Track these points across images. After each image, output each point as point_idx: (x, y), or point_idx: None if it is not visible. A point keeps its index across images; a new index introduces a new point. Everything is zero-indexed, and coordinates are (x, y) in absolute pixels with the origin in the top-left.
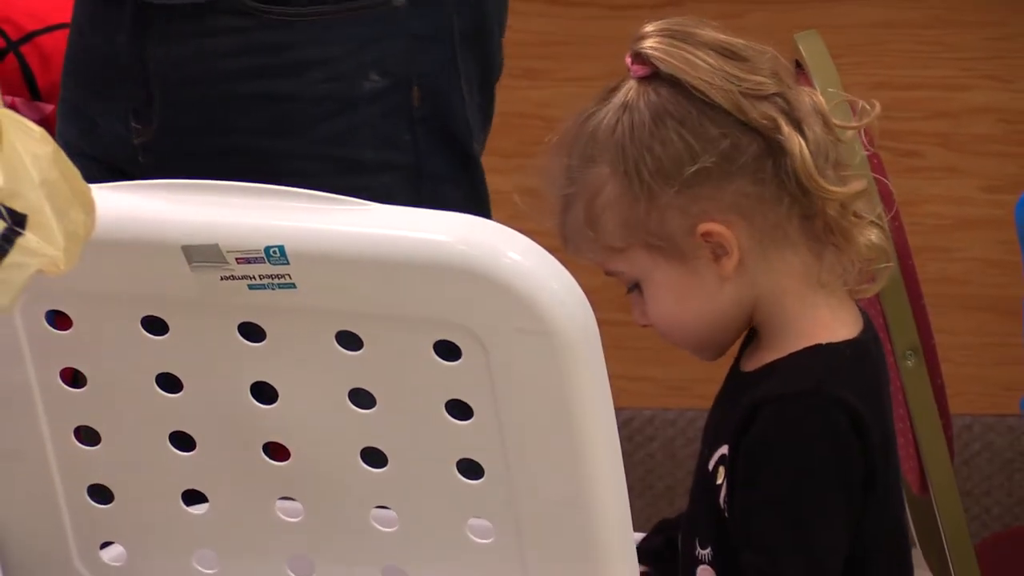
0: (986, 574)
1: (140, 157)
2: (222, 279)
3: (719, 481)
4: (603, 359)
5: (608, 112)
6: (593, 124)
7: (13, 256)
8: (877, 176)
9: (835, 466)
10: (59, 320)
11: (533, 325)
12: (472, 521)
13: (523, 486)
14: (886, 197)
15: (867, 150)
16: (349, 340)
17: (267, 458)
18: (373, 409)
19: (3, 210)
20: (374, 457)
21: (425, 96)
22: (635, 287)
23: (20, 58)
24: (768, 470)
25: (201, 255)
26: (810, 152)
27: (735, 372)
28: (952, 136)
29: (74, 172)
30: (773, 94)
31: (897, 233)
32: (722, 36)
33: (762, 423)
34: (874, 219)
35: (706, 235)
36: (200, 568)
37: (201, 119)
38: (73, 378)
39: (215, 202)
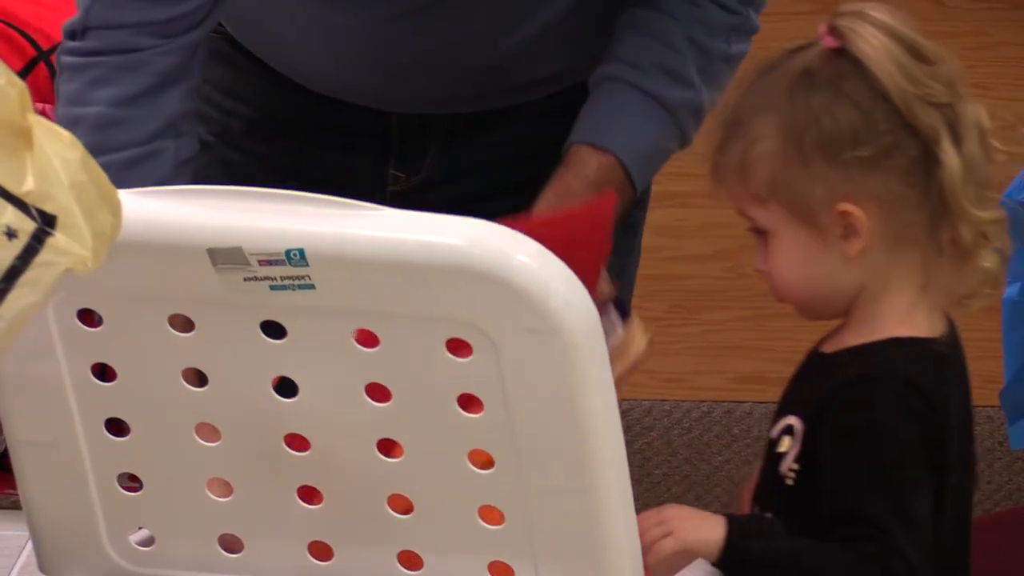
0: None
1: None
2: (245, 280)
3: (781, 449)
4: (607, 356)
5: (789, 71)
6: (772, 77)
7: (43, 255)
8: None
9: (914, 442)
10: (90, 318)
11: (541, 324)
12: (482, 507)
13: (531, 475)
14: None
15: None
16: (366, 337)
17: (288, 448)
18: (389, 403)
19: (34, 211)
20: (390, 447)
21: None
22: (761, 233)
23: (50, 66)
24: (853, 449)
25: (225, 257)
26: (962, 171)
27: (815, 353)
28: None
29: (102, 175)
30: (944, 104)
31: None
32: (914, 35)
33: (844, 405)
34: (999, 246)
35: (843, 214)
36: (224, 552)
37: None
38: (103, 372)
39: (238, 207)
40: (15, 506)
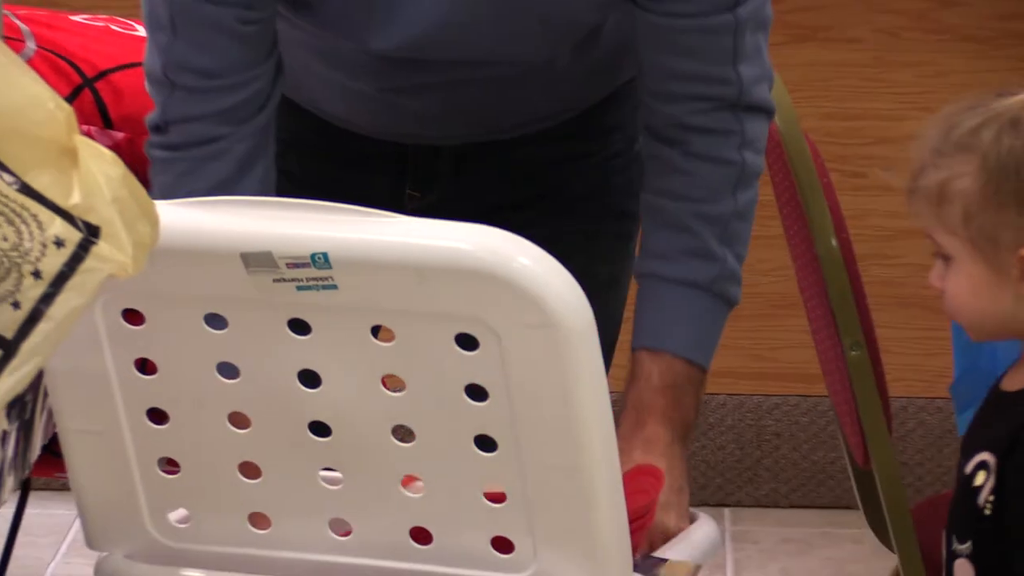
0: (919, 533)
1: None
2: (274, 281)
3: (977, 483)
4: (599, 349)
5: (998, 116)
6: (980, 119)
7: (89, 262)
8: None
9: None
10: (133, 317)
11: (540, 319)
12: (486, 487)
13: (530, 457)
14: (835, 212)
15: (822, 177)
16: (383, 333)
17: (311, 434)
18: (403, 392)
19: (80, 222)
20: (403, 432)
21: None
22: (943, 257)
23: (95, 93)
24: None
25: (256, 261)
26: None
27: (997, 391)
28: (892, 159)
29: (141, 190)
30: None
31: (845, 243)
32: None
33: None
34: None
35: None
36: (254, 529)
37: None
38: (144, 366)
39: (268, 215)
40: (64, 488)
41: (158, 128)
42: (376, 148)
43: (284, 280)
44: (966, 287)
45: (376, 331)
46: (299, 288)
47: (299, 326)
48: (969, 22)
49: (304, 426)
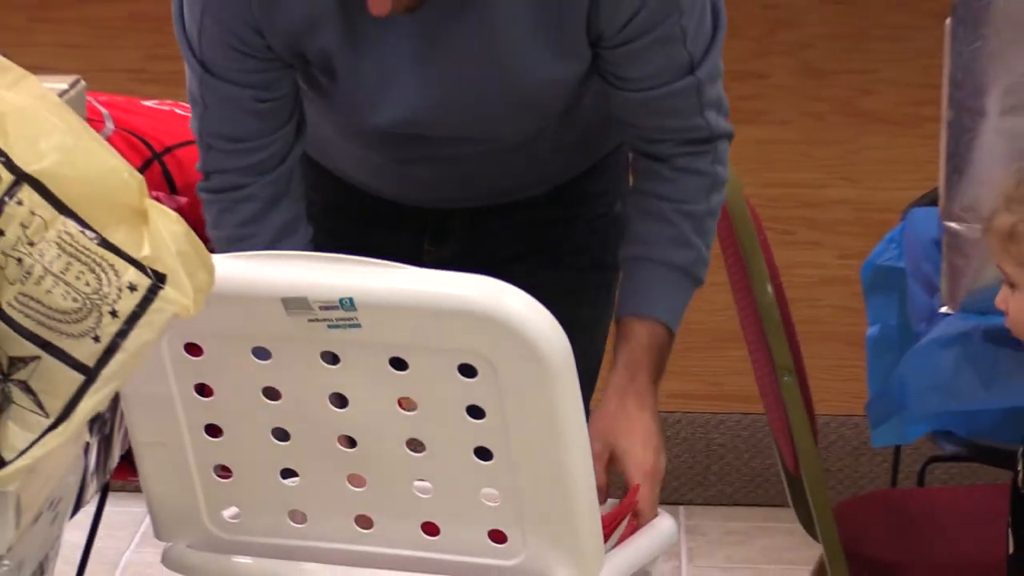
0: (839, 527)
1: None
2: (309, 321)
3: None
4: (577, 378)
5: None
6: None
7: (156, 304)
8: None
9: None
10: (193, 349)
11: (528, 354)
12: (484, 489)
13: (520, 465)
14: (771, 264)
15: (760, 235)
16: (398, 363)
17: (339, 445)
18: (415, 411)
19: (149, 271)
20: (415, 444)
21: None
22: (1010, 284)
23: (162, 165)
24: None
25: (294, 304)
26: None
27: None
28: (817, 220)
29: (200, 245)
30: None
31: (778, 289)
32: None
33: None
34: None
35: None
36: (293, 524)
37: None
38: (202, 389)
39: (304, 267)
40: (137, 489)
41: (205, 175)
42: (398, 211)
43: (317, 320)
44: None
45: (394, 361)
46: (329, 327)
47: (330, 357)
48: (884, 107)
49: (334, 439)
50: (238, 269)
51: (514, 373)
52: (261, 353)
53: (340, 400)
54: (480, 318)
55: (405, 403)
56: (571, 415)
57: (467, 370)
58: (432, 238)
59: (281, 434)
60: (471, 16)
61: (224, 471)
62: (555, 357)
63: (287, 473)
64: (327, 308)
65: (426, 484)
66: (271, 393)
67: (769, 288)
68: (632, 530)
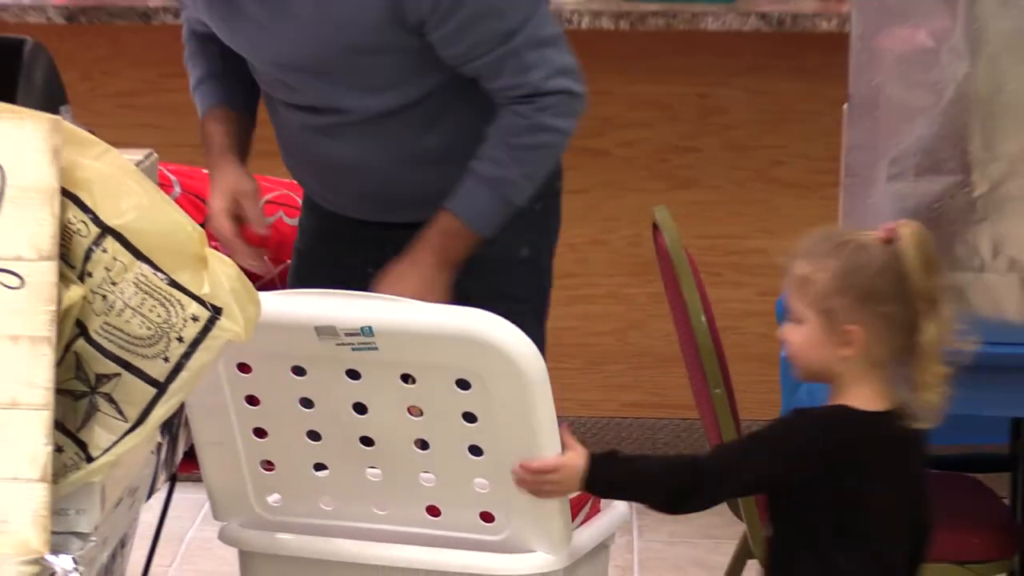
0: (759, 509)
1: None
2: (336, 345)
3: None
4: (550, 388)
5: (856, 239)
6: (843, 238)
7: (214, 332)
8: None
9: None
10: (244, 368)
11: (511, 370)
12: (476, 479)
13: (505, 459)
14: (704, 299)
15: (695, 276)
16: (407, 378)
17: (361, 445)
18: (421, 417)
19: (209, 305)
20: (421, 443)
21: None
22: (796, 321)
23: None
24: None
25: (325, 332)
26: (934, 341)
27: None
28: (740, 264)
29: (249, 284)
30: (934, 299)
31: (710, 320)
32: (932, 250)
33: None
34: (939, 377)
35: (848, 331)
36: (323, 507)
37: None
38: (251, 399)
39: (332, 302)
40: (197, 479)
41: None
42: (344, 226)
43: (343, 344)
44: (807, 342)
45: (404, 376)
46: (353, 349)
47: (353, 373)
48: (794, 175)
49: (356, 439)
50: (280, 304)
51: (500, 387)
52: (298, 370)
53: (360, 408)
54: (473, 342)
55: (413, 410)
56: (545, 419)
57: (463, 384)
58: (374, 262)
59: (314, 435)
60: None
61: (268, 465)
62: (533, 374)
63: (319, 467)
64: (351, 335)
65: (430, 475)
66: (306, 402)
67: (703, 318)
68: (594, 512)
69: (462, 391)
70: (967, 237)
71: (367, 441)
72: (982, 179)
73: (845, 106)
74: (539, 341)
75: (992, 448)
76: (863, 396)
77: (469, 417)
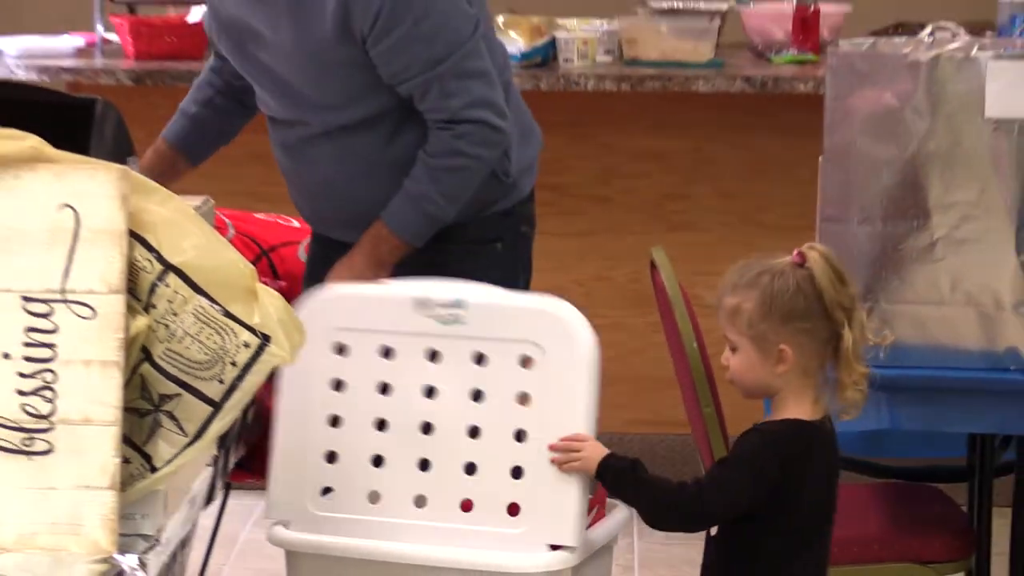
0: None
1: None
2: (428, 315)
3: None
4: (598, 361)
5: (772, 268)
6: (761, 269)
7: (263, 357)
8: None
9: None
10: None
11: (569, 341)
12: (513, 466)
13: (545, 441)
14: (696, 328)
15: (688, 307)
16: (480, 359)
17: (420, 433)
18: (480, 403)
19: (259, 333)
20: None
21: None
22: (732, 349)
23: (268, 259)
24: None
25: (421, 304)
26: (852, 346)
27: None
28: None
29: (294, 314)
30: (848, 308)
31: (701, 346)
32: (841, 266)
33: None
34: (860, 375)
35: (781, 351)
36: (369, 503)
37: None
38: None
39: (431, 282)
40: (249, 487)
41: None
42: (332, 251)
43: (434, 315)
44: (745, 365)
45: (475, 357)
46: (442, 323)
47: (433, 355)
48: (775, 220)
49: (417, 428)
50: (383, 288)
51: (558, 353)
52: (386, 352)
53: (430, 392)
54: (544, 315)
55: (475, 396)
56: (589, 389)
57: (525, 362)
58: None
59: (381, 424)
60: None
61: (331, 458)
62: (585, 341)
63: (376, 461)
64: (445, 306)
65: (472, 466)
66: (384, 387)
67: (695, 345)
68: (600, 516)
69: (522, 370)
70: (928, 274)
71: (427, 428)
72: (941, 223)
73: (820, 159)
74: None
75: (952, 461)
76: (804, 407)
77: (522, 399)
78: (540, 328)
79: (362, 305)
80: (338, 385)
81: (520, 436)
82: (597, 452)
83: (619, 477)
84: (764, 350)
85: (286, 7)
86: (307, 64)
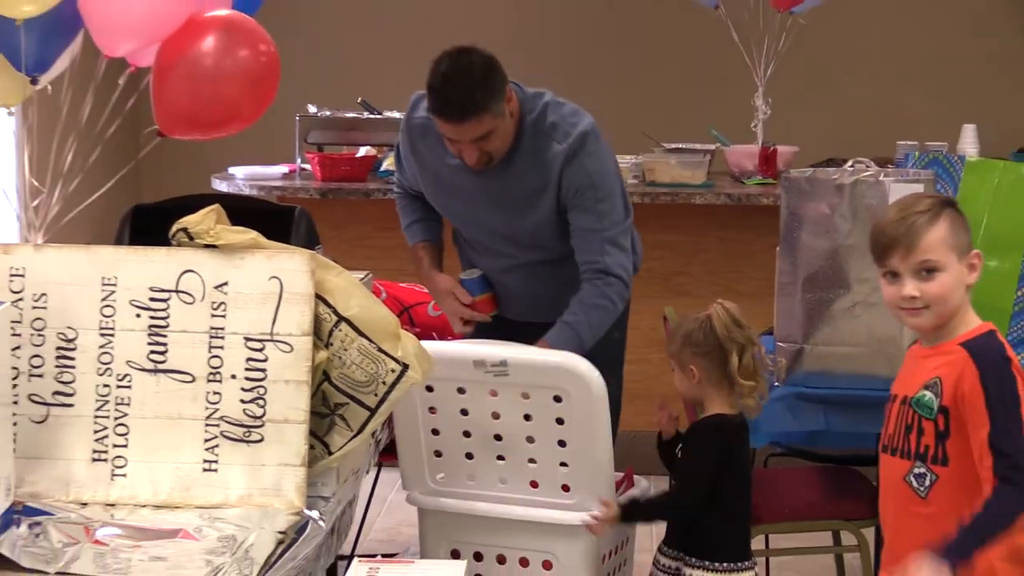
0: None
1: None
2: (484, 372)
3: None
4: (607, 403)
5: (694, 317)
6: (686, 320)
7: (403, 379)
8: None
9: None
10: (429, 388)
11: (585, 390)
12: (561, 462)
13: (579, 449)
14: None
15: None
16: (525, 396)
17: (494, 440)
18: (531, 422)
19: (401, 363)
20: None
21: None
22: (672, 370)
23: (408, 313)
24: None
25: (478, 363)
26: (719, 367)
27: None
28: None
29: (425, 350)
30: (740, 344)
31: None
32: (738, 313)
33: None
34: (751, 389)
35: (691, 369)
36: (468, 482)
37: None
38: (431, 410)
39: (482, 347)
40: (393, 466)
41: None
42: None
43: (489, 371)
44: (679, 384)
45: (522, 395)
46: (495, 376)
47: (493, 393)
48: (748, 289)
49: (491, 437)
50: (454, 349)
51: (578, 395)
52: (460, 390)
53: (495, 415)
54: (567, 370)
55: (527, 418)
56: (603, 423)
57: (557, 398)
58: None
59: (467, 434)
60: (507, 172)
61: (437, 454)
62: (597, 392)
63: (468, 456)
64: (493, 365)
65: (534, 461)
66: (463, 411)
67: None
68: (629, 486)
69: (556, 403)
70: (850, 326)
71: (498, 437)
72: (859, 292)
73: (778, 248)
74: (619, 380)
75: (866, 452)
76: (723, 407)
77: (559, 421)
78: (564, 379)
79: (438, 359)
80: (431, 410)
81: (562, 443)
82: (615, 514)
83: (635, 515)
84: (684, 369)
85: (515, 210)
86: (524, 229)
